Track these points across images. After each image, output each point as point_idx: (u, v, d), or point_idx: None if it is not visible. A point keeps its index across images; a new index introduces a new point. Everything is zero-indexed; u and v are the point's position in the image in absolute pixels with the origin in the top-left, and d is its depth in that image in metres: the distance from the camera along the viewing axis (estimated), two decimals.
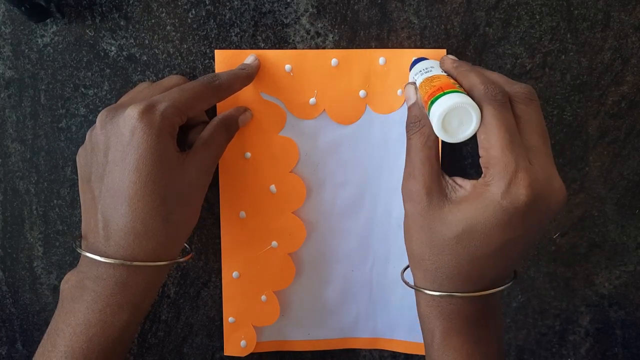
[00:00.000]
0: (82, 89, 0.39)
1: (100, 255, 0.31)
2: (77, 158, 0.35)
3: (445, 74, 0.33)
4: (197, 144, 0.34)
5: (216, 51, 0.37)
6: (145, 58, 0.38)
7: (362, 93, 0.38)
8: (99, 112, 0.32)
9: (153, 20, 0.38)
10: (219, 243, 0.41)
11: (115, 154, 0.30)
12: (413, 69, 0.36)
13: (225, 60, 0.37)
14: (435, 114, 0.29)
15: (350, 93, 0.38)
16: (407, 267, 0.36)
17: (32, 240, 0.42)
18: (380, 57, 0.38)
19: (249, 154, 0.39)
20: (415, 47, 0.38)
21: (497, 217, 0.29)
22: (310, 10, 0.38)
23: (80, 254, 0.32)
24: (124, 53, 0.38)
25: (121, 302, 0.31)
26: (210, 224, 0.41)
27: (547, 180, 0.29)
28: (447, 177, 0.32)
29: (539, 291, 0.43)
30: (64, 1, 0.37)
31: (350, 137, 0.39)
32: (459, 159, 0.40)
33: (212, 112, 0.38)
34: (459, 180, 0.32)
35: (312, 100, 0.38)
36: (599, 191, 0.41)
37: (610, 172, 0.41)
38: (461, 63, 0.34)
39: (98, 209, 0.31)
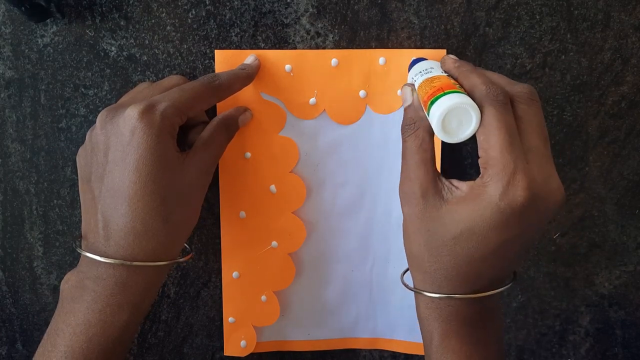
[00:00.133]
0: (82, 89, 0.39)
1: (100, 255, 0.31)
2: (77, 158, 0.35)
3: (446, 74, 0.33)
4: (197, 144, 0.34)
5: (216, 51, 0.37)
6: (145, 58, 0.38)
7: (362, 93, 0.38)
8: (99, 112, 0.32)
9: (153, 21, 0.38)
10: (219, 243, 0.41)
11: (115, 154, 0.30)
12: (412, 70, 0.36)
13: (225, 60, 0.37)
14: (435, 114, 0.29)
15: (350, 93, 0.38)
16: (407, 269, 0.36)
17: (32, 240, 0.42)
18: (380, 57, 0.38)
19: (249, 154, 0.39)
20: (415, 47, 0.38)
21: (495, 218, 0.29)
22: (310, 10, 0.38)
23: (80, 254, 0.32)
24: (124, 53, 0.38)
25: (121, 302, 0.31)
26: (210, 224, 0.41)
27: (545, 181, 0.29)
28: (443, 179, 0.32)
29: (539, 291, 0.43)
30: (64, 1, 0.37)
31: (350, 137, 0.39)
32: (459, 160, 0.40)
33: (212, 112, 0.38)
34: (455, 182, 0.31)
35: (312, 100, 0.38)
36: (599, 191, 0.41)
37: (610, 172, 0.41)
38: (462, 63, 0.34)
39: (98, 209, 0.31)
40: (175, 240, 0.33)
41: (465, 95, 0.30)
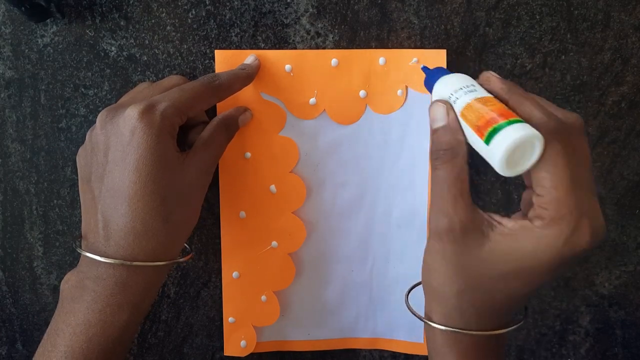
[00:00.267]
0: (82, 89, 0.39)
1: (100, 255, 0.30)
2: (77, 158, 0.35)
3: (492, 95, 0.30)
4: (197, 144, 0.34)
5: (216, 51, 0.37)
6: (145, 58, 0.38)
7: (362, 93, 0.38)
8: (99, 112, 0.32)
9: (153, 21, 0.38)
10: (219, 243, 0.41)
11: (115, 154, 0.30)
12: (444, 84, 0.31)
13: (225, 60, 0.37)
14: (501, 145, 0.26)
15: (350, 93, 0.38)
16: (410, 290, 0.36)
17: (32, 240, 0.42)
18: (380, 57, 0.38)
19: (249, 154, 0.39)
20: (415, 47, 0.38)
21: (553, 261, 0.27)
22: (310, 10, 0.38)
23: (80, 254, 0.32)
24: (124, 53, 0.38)
25: (121, 302, 0.31)
26: (210, 224, 0.41)
27: (599, 222, 0.28)
28: (481, 212, 0.30)
29: (539, 291, 0.43)
30: (64, 1, 0.37)
31: (350, 137, 0.39)
32: None
33: (212, 112, 0.38)
34: (496, 216, 0.30)
35: (312, 100, 0.38)
36: (599, 191, 0.41)
37: (610, 172, 0.41)
38: (511, 85, 0.30)
39: (98, 209, 0.31)
40: (175, 240, 0.33)
41: (530, 126, 0.27)
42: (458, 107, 0.30)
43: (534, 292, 0.30)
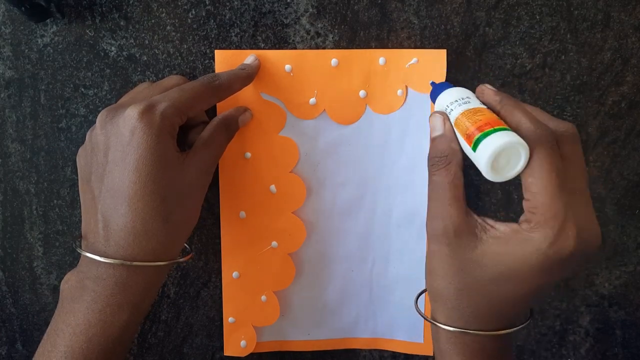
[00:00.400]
0: (82, 89, 0.39)
1: (100, 255, 0.30)
2: (77, 158, 0.35)
3: (485, 106, 0.32)
4: (197, 144, 0.34)
5: (216, 51, 0.37)
6: (145, 58, 0.38)
7: (362, 93, 0.38)
8: (99, 112, 0.32)
9: (153, 21, 0.38)
10: (219, 243, 0.41)
11: (115, 154, 0.30)
12: (443, 97, 0.34)
13: (225, 60, 0.37)
14: (486, 151, 0.28)
15: (350, 93, 0.38)
16: (421, 293, 0.37)
17: (32, 240, 0.42)
18: (380, 57, 0.38)
19: (249, 154, 0.39)
20: (415, 47, 0.38)
21: (541, 264, 0.28)
22: (310, 10, 0.38)
23: (80, 254, 0.32)
24: (124, 53, 0.38)
25: (121, 302, 0.31)
26: (210, 224, 0.41)
27: (589, 227, 0.29)
28: (475, 216, 0.31)
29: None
30: (64, 1, 0.37)
31: (350, 137, 0.39)
32: None
33: (212, 112, 0.38)
34: (489, 220, 0.31)
35: (312, 100, 0.38)
36: (599, 191, 0.41)
37: (610, 172, 0.41)
38: (504, 96, 0.32)
39: (98, 209, 0.31)
40: (175, 240, 0.33)
41: (515, 134, 0.28)
42: (452, 118, 0.32)
43: (534, 296, 0.30)
